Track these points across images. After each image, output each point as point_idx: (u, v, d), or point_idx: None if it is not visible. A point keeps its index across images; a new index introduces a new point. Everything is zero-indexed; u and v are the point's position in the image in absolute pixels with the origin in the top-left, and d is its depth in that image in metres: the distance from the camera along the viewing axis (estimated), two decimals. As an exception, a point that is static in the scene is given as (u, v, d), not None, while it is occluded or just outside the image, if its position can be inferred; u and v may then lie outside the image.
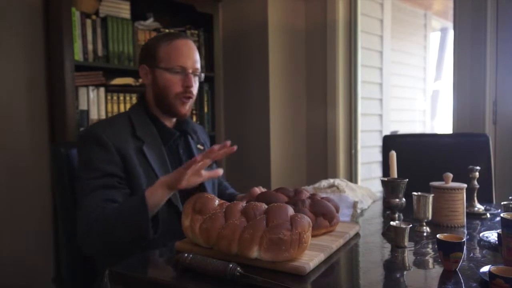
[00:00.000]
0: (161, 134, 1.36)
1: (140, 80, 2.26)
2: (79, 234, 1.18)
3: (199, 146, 1.50)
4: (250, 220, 0.96)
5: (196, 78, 1.39)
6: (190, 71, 1.35)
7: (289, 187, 1.34)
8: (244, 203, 1.04)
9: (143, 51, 1.39)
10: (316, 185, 1.59)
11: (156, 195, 1.14)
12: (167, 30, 2.34)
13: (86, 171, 1.23)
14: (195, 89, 1.38)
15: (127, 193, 1.24)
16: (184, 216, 1.04)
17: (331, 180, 1.57)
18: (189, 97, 1.36)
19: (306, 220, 0.95)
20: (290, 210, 0.99)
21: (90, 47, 2.03)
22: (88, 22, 2.02)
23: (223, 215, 0.99)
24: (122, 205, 1.17)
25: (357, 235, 1.19)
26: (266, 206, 1.01)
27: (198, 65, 1.38)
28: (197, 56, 1.37)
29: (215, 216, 0.98)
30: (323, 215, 1.13)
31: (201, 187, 1.41)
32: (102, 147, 1.23)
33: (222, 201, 1.07)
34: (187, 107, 1.37)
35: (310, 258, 0.92)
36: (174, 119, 1.42)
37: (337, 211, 1.19)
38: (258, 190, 1.40)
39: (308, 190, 1.50)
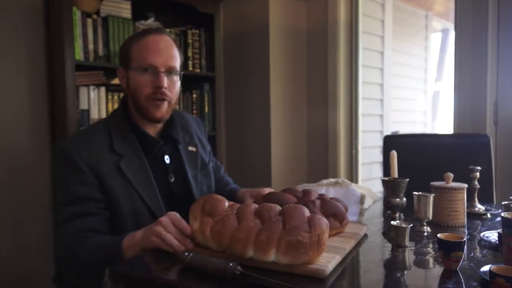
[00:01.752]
0: (142, 144, 1.26)
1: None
2: (58, 261, 1.14)
3: (190, 148, 1.40)
4: (265, 222, 0.93)
5: (173, 77, 1.26)
6: (162, 69, 1.22)
7: (289, 187, 1.33)
8: (255, 205, 1.00)
9: (119, 53, 1.30)
10: (318, 183, 1.59)
11: (133, 251, 1.05)
12: (167, 30, 2.34)
13: (61, 193, 1.16)
14: (171, 90, 1.25)
15: (106, 219, 1.18)
16: (192, 218, 1.00)
17: (332, 180, 1.57)
18: (162, 99, 1.23)
19: (324, 221, 0.92)
20: (307, 211, 0.95)
21: (91, 46, 2.03)
22: (89, 21, 2.02)
23: (235, 217, 0.95)
24: (100, 252, 1.09)
25: (365, 235, 1.17)
26: (280, 208, 0.97)
27: (174, 63, 1.25)
28: (172, 52, 1.25)
29: (227, 218, 0.94)
30: (334, 216, 1.10)
31: (190, 196, 1.34)
32: (74, 167, 1.15)
33: (232, 202, 1.03)
34: (163, 110, 1.25)
35: (327, 260, 0.89)
36: (157, 125, 1.32)
37: (347, 211, 1.16)
38: (268, 191, 1.34)
39: (310, 188, 1.49)
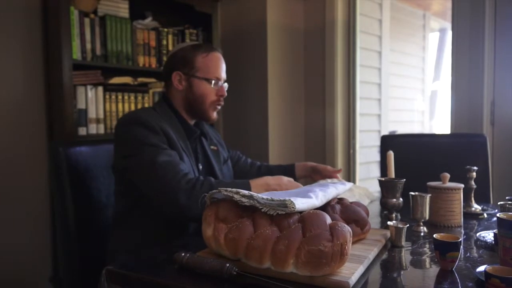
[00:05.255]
0: (185, 131, 1.43)
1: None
2: (177, 199, 1.17)
3: (212, 147, 1.56)
4: (283, 230, 0.87)
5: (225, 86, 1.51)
6: (223, 82, 1.47)
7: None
8: None
9: (176, 59, 1.45)
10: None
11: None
12: (165, 30, 2.34)
13: (144, 148, 1.24)
14: None
15: None
16: (205, 224, 0.95)
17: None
18: (221, 104, 1.48)
19: (347, 229, 0.86)
20: (328, 218, 0.90)
21: (88, 46, 2.02)
22: (87, 21, 2.02)
23: (251, 223, 0.90)
24: (230, 184, 1.21)
25: (387, 242, 1.11)
26: (299, 214, 0.91)
27: (225, 76, 1.51)
28: (225, 68, 1.50)
29: (243, 225, 0.89)
30: (356, 221, 1.05)
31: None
32: (151, 130, 1.27)
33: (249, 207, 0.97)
34: (216, 113, 1.49)
35: (351, 272, 0.84)
36: (194, 121, 1.50)
37: (368, 215, 1.11)
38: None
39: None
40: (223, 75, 1.47)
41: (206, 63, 1.43)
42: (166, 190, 1.18)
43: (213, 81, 1.43)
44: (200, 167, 1.45)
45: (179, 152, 1.31)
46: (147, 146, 1.24)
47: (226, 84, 1.50)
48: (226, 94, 1.48)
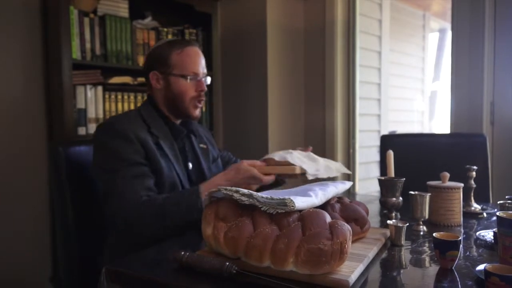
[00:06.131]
0: (171, 131, 1.43)
1: (138, 83, 2.25)
2: (124, 220, 1.22)
3: (201, 145, 1.55)
4: (283, 228, 0.87)
5: (205, 80, 1.49)
6: (202, 76, 1.44)
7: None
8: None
9: (152, 58, 1.45)
10: (270, 155, 1.51)
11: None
12: (165, 29, 2.34)
13: (114, 162, 1.26)
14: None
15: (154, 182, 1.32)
16: (205, 223, 0.95)
17: (291, 150, 1.53)
18: (202, 100, 1.46)
19: (346, 228, 0.86)
20: (328, 217, 0.90)
21: (88, 45, 2.03)
22: (86, 20, 2.02)
23: (250, 222, 0.90)
24: (178, 196, 1.25)
25: (387, 241, 1.10)
26: (299, 212, 0.91)
27: (205, 70, 1.48)
28: (204, 61, 1.47)
29: (242, 224, 0.89)
30: (355, 220, 1.05)
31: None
32: (126, 140, 1.28)
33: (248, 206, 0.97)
34: (199, 110, 1.47)
35: (350, 270, 0.84)
36: (180, 120, 1.48)
37: (367, 214, 1.11)
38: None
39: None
40: (201, 69, 1.44)
41: (181, 59, 1.41)
42: (117, 221, 1.25)
43: (189, 77, 1.41)
44: (190, 165, 1.46)
45: (156, 160, 1.31)
46: (118, 161, 1.26)
47: (208, 78, 1.47)
48: (206, 88, 1.45)
